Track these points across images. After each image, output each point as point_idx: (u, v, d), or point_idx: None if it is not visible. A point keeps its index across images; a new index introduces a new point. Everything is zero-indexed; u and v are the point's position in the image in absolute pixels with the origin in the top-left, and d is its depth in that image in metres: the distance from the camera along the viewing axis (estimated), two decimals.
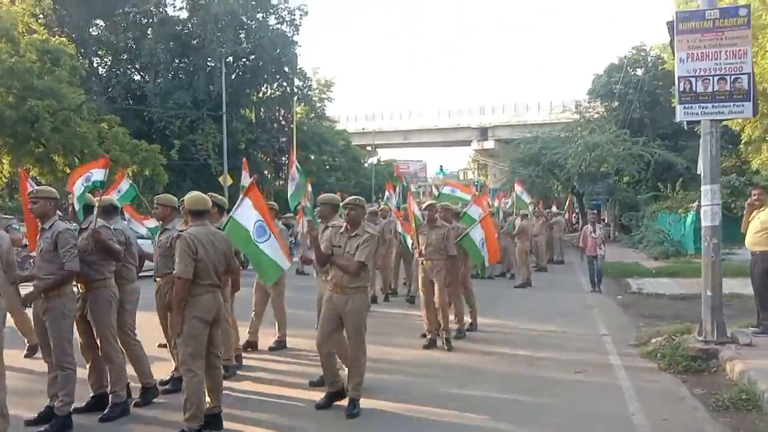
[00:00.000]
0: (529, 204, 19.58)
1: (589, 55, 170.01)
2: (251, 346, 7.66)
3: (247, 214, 5.61)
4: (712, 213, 7.12)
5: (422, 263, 8.09)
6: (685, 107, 7.20)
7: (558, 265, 20.26)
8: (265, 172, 43.28)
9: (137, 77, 38.33)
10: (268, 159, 43.38)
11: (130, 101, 36.66)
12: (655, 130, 30.45)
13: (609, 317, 10.55)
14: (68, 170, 25.88)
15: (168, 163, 28.28)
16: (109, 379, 5.30)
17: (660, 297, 13.05)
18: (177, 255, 4.70)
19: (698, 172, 7.38)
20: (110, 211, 5.69)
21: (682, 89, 7.19)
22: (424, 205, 8.28)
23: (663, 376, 6.66)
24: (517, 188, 18.00)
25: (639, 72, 31.75)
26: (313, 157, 43.57)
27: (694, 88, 7.13)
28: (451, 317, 8.43)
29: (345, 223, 5.51)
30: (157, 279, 5.89)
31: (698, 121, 7.31)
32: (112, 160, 24.30)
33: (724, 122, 20.30)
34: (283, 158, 43.17)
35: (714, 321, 7.16)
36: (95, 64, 37.63)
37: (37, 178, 25.68)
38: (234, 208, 5.75)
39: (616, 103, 32.18)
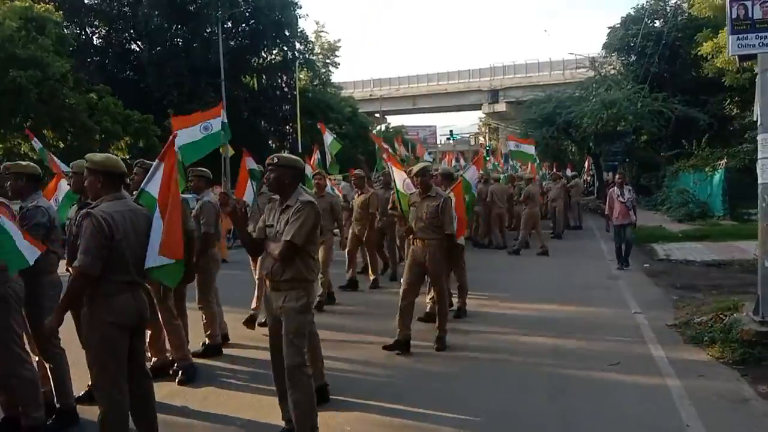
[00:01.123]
0: (534, 158, 18.12)
1: (604, 8, 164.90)
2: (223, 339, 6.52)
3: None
4: None
5: (414, 243, 6.44)
6: (739, 38, 5.85)
7: (575, 230, 18.98)
8: (270, 142, 42.10)
9: (134, 46, 37.00)
10: (272, 128, 42.15)
11: (128, 72, 35.41)
12: (675, 84, 28.78)
13: (638, 290, 9.36)
14: (62, 144, 24.85)
15: (164, 134, 27.09)
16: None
17: (691, 264, 11.93)
18: (83, 240, 3.49)
19: (754, 119, 6.08)
20: (20, 183, 4.49)
21: (734, 16, 5.83)
22: (415, 170, 6.59)
23: (717, 369, 5.46)
24: (511, 144, 16.67)
25: (657, 24, 29.91)
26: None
27: (750, 14, 5.77)
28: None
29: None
30: (69, 269, 4.48)
31: (754, 56, 5.95)
32: (103, 131, 23.32)
33: (742, 76, 18.86)
34: (288, 127, 41.91)
35: None
36: (90, 35, 36.38)
37: (29, 153, 24.67)
38: (147, 177, 4.45)
39: (634, 58, 30.43)
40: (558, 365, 5.70)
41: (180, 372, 5.38)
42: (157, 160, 4.36)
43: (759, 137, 5.96)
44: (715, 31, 17.81)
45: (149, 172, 4.35)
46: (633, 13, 30.37)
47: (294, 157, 4.19)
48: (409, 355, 6.07)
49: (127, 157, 25.33)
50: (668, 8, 29.54)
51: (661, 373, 5.34)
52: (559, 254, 13.61)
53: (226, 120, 7.39)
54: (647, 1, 30.15)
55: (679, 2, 28.50)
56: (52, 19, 23.61)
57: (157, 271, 4.04)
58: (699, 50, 19.67)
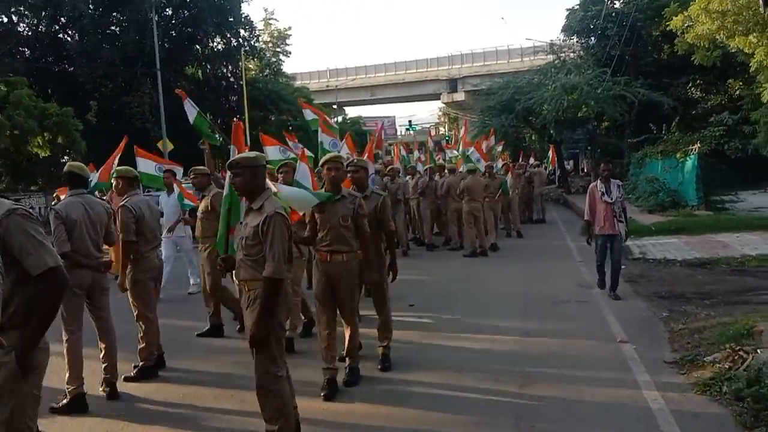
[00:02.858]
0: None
1: None
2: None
3: None
4: None
5: (321, 259, 4.89)
6: None
7: (539, 224, 17.46)
8: (217, 135, 39.68)
9: (65, 36, 34.23)
10: (219, 120, 39.81)
11: (60, 63, 32.65)
12: (638, 68, 27.63)
13: (617, 303, 7.75)
14: None
15: (92, 128, 24.66)
16: None
17: (671, 264, 10.47)
18: None
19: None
20: None
21: None
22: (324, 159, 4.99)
23: None
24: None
25: (618, 4, 28.66)
26: (273, 118, 39.91)
27: None
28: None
29: None
30: None
31: None
32: (16, 127, 20.75)
33: (713, 54, 17.59)
34: (235, 119, 39.54)
35: None
36: (16, 23, 33.45)
37: None
38: None
39: (594, 40, 29.16)
40: None
41: None
42: None
43: None
44: (684, 4, 16.41)
45: None
46: None
47: None
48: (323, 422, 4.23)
49: (48, 154, 22.86)
50: None
51: None
52: (523, 256, 12.01)
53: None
54: None
55: None
56: None
57: None
58: (667, 25, 18.16)
